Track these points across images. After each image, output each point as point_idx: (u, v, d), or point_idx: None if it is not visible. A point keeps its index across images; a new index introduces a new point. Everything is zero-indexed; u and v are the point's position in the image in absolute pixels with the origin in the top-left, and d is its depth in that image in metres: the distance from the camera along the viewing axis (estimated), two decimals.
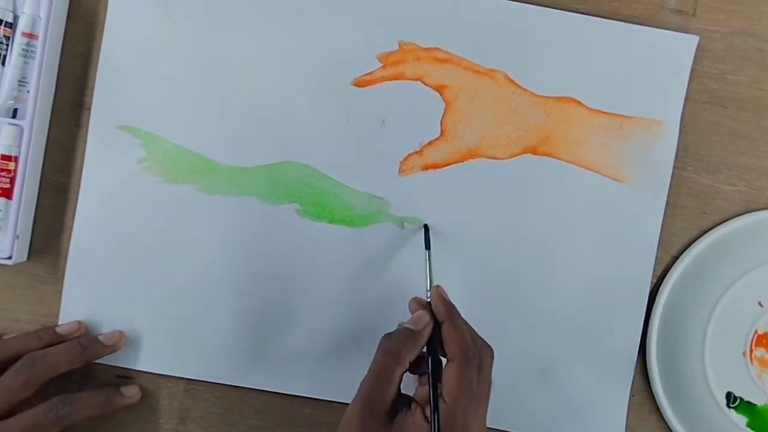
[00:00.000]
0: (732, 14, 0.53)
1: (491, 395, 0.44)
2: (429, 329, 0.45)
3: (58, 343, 0.50)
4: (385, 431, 0.42)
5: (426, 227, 0.52)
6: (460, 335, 0.44)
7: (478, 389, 0.43)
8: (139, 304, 0.52)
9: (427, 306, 0.47)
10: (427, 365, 0.44)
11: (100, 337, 0.51)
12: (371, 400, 0.43)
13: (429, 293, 0.47)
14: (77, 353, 0.50)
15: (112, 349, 0.51)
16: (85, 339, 0.51)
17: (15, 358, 0.48)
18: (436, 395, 0.43)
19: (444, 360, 0.45)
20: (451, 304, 0.46)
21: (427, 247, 0.50)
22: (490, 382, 0.45)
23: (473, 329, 0.47)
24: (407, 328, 0.45)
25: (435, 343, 0.45)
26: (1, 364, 0.48)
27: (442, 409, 0.42)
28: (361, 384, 0.44)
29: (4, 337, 0.51)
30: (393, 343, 0.44)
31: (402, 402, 0.44)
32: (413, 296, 0.49)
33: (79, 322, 0.52)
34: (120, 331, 0.52)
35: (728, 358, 0.53)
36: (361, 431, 0.42)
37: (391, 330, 0.46)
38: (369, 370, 0.44)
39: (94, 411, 0.49)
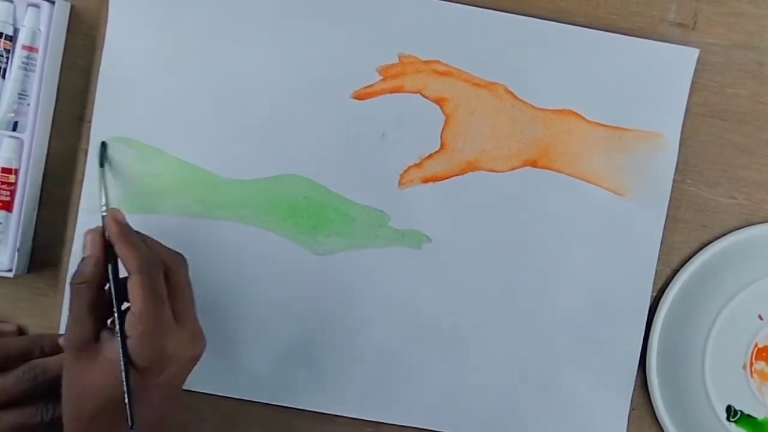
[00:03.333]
0: (732, 28, 0.53)
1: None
2: (98, 246, 0.45)
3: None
4: (89, 360, 0.42)
5: (103, 144, 0.52)
6: (134, 249, 0.44)
7: (160, 292, 0.43)
8: None
9: (100, 229, 0.46)
10: (109, 280, 0.44)
11: (60, 341, 0.51)
12: (70, 339, 0.43)
13: (103, 210, 0.47)
14: (36, 349, 0.49)
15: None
16: (47, 337, 0.50)
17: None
18: (122, 314, 0.43)
19: None
20: (125, 223, 0.46)
21: (101, 165, 0.51)
22: (184, 289, 0.45)
23: (158, 242, 0.46)
24: (82, 258, 0.45)
25: (115, 264, 0.45)
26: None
27: (132, 319, 0.42)
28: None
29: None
30: (75, 278, 0.44)
31: (107, 329, 0.44)
32: None
33: (17, 325, 0.52)
34: None
35: (728, 372, 0.53)
36: (67, 369, 0.43)
37: None
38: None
39: None
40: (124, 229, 0.45)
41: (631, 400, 0.53)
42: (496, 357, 0.53)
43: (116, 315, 0.43)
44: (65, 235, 0.53)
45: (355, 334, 0.53)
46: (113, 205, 0.52)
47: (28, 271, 0.53)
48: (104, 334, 0.43)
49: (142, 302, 0.42)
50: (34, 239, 0.52)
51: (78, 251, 0.52)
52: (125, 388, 0.41)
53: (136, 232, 0.46)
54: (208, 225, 0.52)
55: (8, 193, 0.50)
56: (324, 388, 0.53)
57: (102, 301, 0.44)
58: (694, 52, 0.53)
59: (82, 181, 0.52)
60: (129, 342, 0.42)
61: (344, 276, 0.53)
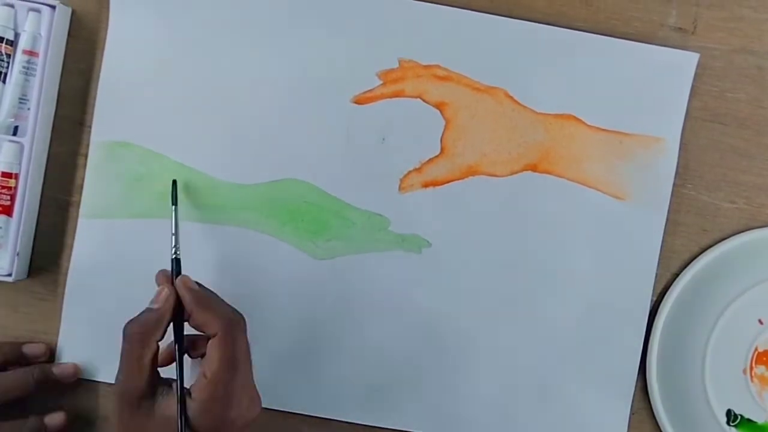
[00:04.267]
0: (732, 32, 0.53)
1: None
2: (170, 304, 0.44)
3: (21, 362, 0.51)
4: (145, 416, 0.41)
5: (174, 183, 0.51)
6: (212, 316, 0.43)
7: (237, 359, 0.43)
8: None
9: (169, 278, 0.46)
10: (175, 342, 0.44)
11: (54, 370, 0.51)
12: (124, 390, 0.42)
13: (173, 250, 0.47)
14: (30, 385, 0.50)
15: (65, 381, 0.51)
16: (39, 372, 0.50)
17: None
18: (182, 372, 0.43)
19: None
20: (196, 289, 0.45)
21: (174, 203, 0.49)
22: (248, 348, 0.44)
23: (221, 300, 0.46)
24: (148, 309, 0.44)
25: (181, 320, 0.44)
26: None
27: (203, 383, 0.42)
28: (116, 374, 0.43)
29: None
30: (136, 326, 0.43)
31: (164, 383, 0.43)
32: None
33: (46, 347, 0.51)
34: (74, 364, 0.51)
35: (728, 376, 0.53)
36: (120, 421, 0.42)
37: None
38: (120, 359, 0.43)
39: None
40: (198, 294, 0.45)
41: (632, 405, 0.53)
42: (496, 361, 0.53)
43: (178, 375, 0.43)
44: (65, 239, 0.53)
45: (354, 338, 0.53)
46: (111, 210, 0.52)
47: (28, 276, 0.52)
48: (161, 390, 0.43)
49: (219, 368, 0.42)
50: (33, 244, 0.52)
51: (78, 255, 0.52)
52: None
53: (200, 286, 0.46)
54: (207, 229, 0.52)
55: (8, 197, 0.50)
56: (323, 393, 0.53)
57: (158, 353, 0.43)
58: (694, 57, 0.53)
59: (82, 185, 0.52)
60: (192, 405, 0.41)
61: (344, 280, 0.53)
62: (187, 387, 0.44)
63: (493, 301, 0.53)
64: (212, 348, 0.43)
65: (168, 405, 0.42)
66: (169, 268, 0.47)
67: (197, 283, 0.46)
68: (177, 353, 0.44)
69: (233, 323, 0.44)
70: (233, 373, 0.42)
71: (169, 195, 0.50)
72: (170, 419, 0.41)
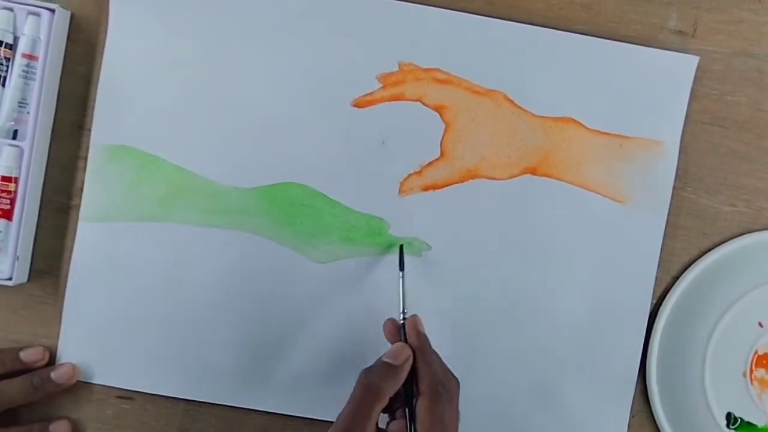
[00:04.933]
0: (732, 35, 0.53)
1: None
2: (409, 364, 0.44)
3: (20, 369, 0.50)
4: None
5: (401, 248, 0.51)
6: (432, 369, 0.44)
7: (449, 422, 0.43)
8: (139, 325, 0.52)
9: (403, 332, 0.46)
10: (404, 400, 0.44)
11: (52, 375, 0.51)
12: None
13: (402, 315, 0.47)
14: (29, 392, 0.50)
15: (64, 385, 0.51)
16: (37, 378, 0.50)
17: None
18: (414, 429, 0.43)
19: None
20: (425, 336, 0.46)
21: (401, 268, 0.50)
22: (458, 413, 0.44)
23: (441, 360, 0.46)
24: (388, 363, 0.44)
25: (411, 378, 0.44)
26: None
27: None
28: (339, 416, 0.43)
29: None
30: (374, 378, 0.43)
31: None
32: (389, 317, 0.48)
33: (44, 349, 0.51)
34: (72, 365, 0.51)
35: (728, 379, 0.53)
36: None
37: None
38: (348, 403, 0.43)
39: None
40: (426, 344, 0.45)
41: (631, 407, 0.53)
42: (496, 364, 0.53)
43: (408, 429, 0.43)
44: (65, 243, 0.53)
45: (354, 341, 0.53)
46: (111, 213, 0.52)
47: (28, 280, 0.52)
48: None
49: (431, 424, 0.42)
50: (33, 247, 0.52)
51: (78, 259, 0.52)
52: None
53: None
54: (207, 233, 0.52)
55: (8, 201, 0.50)
56: (323, 396, 0.53)
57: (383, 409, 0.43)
58: (694, 60, 0.53)
59: (82, 189, 0.52)
60: None
61: (344, 284, 0.53)
62: None
63: (492, 304, 0.53)
64: (421, 407, 0.42)
65: None
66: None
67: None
68: (406, 410, 0.44)
69: (445, 385, 0.44)
70: None
71: (172, 199, 0.50)
72: None
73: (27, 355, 0.51)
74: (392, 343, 0.47)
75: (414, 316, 0.47)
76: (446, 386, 0.44)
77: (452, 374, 0.46)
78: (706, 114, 0.53)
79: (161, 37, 0.52)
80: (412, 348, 0.45)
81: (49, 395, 0.51)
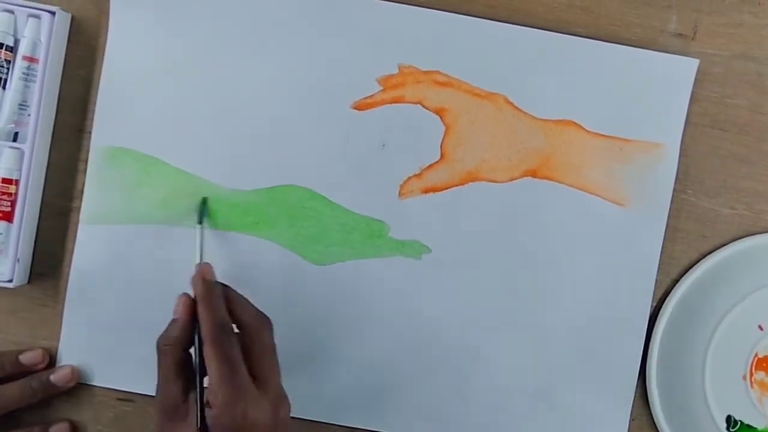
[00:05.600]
0: (732, 38, 0.53)
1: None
2: (188, 314, 0.44)
3: (20, 372, 0.51)
4: (180, 424, 0.42)
5: (204, 200, 0.51)
6: (213, 314, 0.43)
7: (253, 362, 0.43)
8: (139, 327, 0.52)
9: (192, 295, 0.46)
10: (195, 348, 0.44)
11: (51, 378, 0.51)
12: (160, 400, 0.43)
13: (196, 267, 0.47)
14: (29, 395, 0.50)
15: (64, 387, 0.51)
16: (36, 381, 0.50)
17: None
18: (202, 380, 0.43)
19: None
20: (211, 282, 0.45)
21: (200, 221, 0.50)
22: (267, 352, 0.44)
23: (246, 301, 0.45)
24: (172, 320, 0.44)
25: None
26: None
27: (213, 394, 0.41)
28: None
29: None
30: (162, 339, 0.44)
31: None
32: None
33: (43, 352, 0.51)
34: (71, 368, 0.51)
35: (728, 382, 0.53)
36: (158, 430, 0.42)
37: None
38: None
39: None
40: (209, 289, 0.45)
41: (631, 410, 0.53)
42: (496, 367, 0.53)
43: (198, 382, 0.43)
44: (65, 245, 0.53)
45: (354, 344, 0.53)
46: (111, 215, 0.52)
47: (28, 282, 0.53)
48: (192, 396, 0.43)
49: (216, 371, 0.41)
50: (34, 250, 0.52)
51: (79, 261, 0.52)
52: None
53: (224, 287, 0.45)
54: (207, 235, 0.52)
55: (8, 203, 0.50)
56: (324, 398, 0.53)
57: (190, 362, 0.44)
58: (694, 63, 0.53)
59: (82, 191, 0.52)
60: (210, 411, 0.41)
61: (344, 286, 0.53)
62: None
63: (493, 307, 0.53)
64: (206, 353, 0.42)
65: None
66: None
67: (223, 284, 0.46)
68: (198, 358, 0.44)
69: (222, 327, 0.43)
70: (233, 374, 0.42)
71: (172, 201, 0.50)
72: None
73: (26, 358, 0.51)
74: None
75: (204, 264, 0.46)
76: (228, 329, 0.43)
77: (258, 314, 0.45)
78: (706, 117, 0.53)
79: (162, 40, 0.52)
80: (196, 297, 0.44)
81: (48, 398, 0.51)
